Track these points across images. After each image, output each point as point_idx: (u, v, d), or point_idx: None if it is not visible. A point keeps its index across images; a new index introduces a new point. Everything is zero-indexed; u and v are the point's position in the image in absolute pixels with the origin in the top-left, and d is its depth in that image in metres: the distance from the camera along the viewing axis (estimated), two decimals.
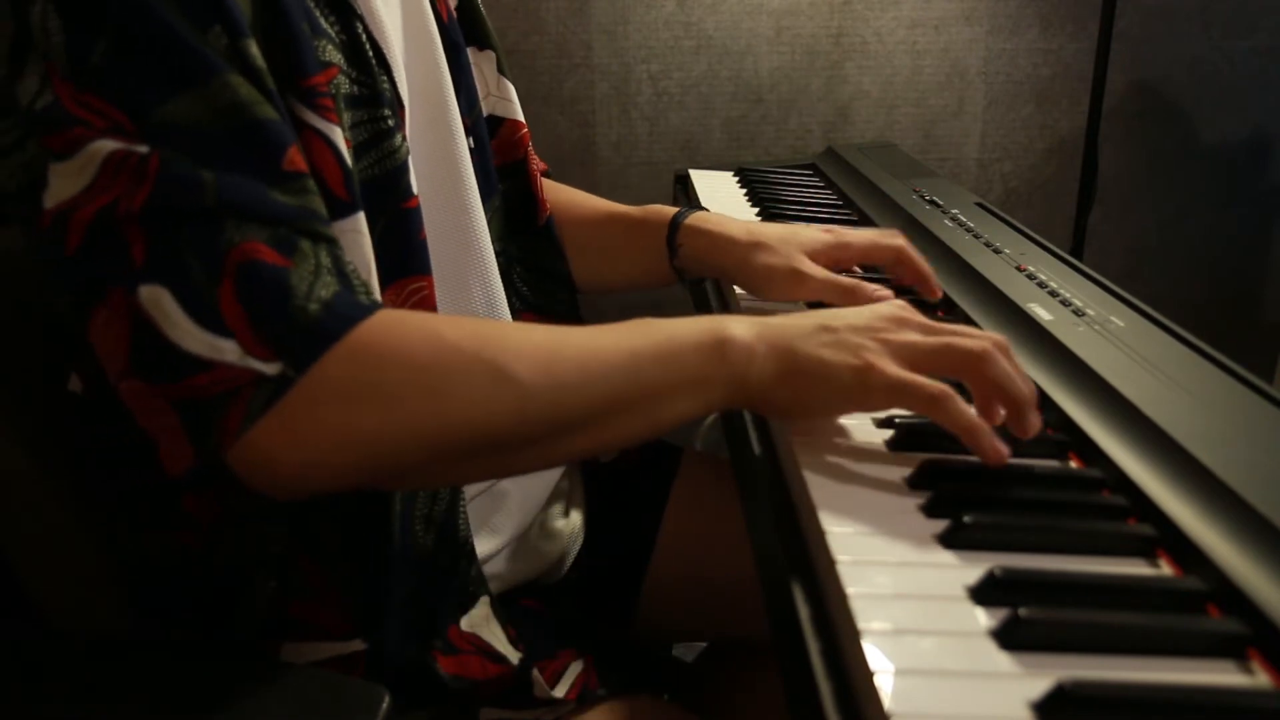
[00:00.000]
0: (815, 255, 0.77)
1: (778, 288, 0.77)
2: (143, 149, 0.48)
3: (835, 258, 0.78)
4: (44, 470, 0.64)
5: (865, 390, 0.55)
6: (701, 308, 0.91)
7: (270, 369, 0.49)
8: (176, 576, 0.64)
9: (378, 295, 0.60)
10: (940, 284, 0.79)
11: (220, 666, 0.62)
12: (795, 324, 0.58)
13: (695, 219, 0.84)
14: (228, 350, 0.48)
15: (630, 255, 0.88)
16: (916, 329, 0.58)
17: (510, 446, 0.54)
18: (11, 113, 0.50)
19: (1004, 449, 0.53)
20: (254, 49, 0.52)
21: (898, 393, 0.55)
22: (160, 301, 0.48)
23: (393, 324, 0.52)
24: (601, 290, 0.92)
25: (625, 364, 0.55)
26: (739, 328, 0.57)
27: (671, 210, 0.86)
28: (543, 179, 0.90)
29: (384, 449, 0.51)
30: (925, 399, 0.54)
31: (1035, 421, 0.56)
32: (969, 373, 0.56)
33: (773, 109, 1.85)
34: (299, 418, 0.49)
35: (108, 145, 0.48)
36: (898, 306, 0.60)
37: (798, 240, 0.78)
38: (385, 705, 0.54)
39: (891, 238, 0.79)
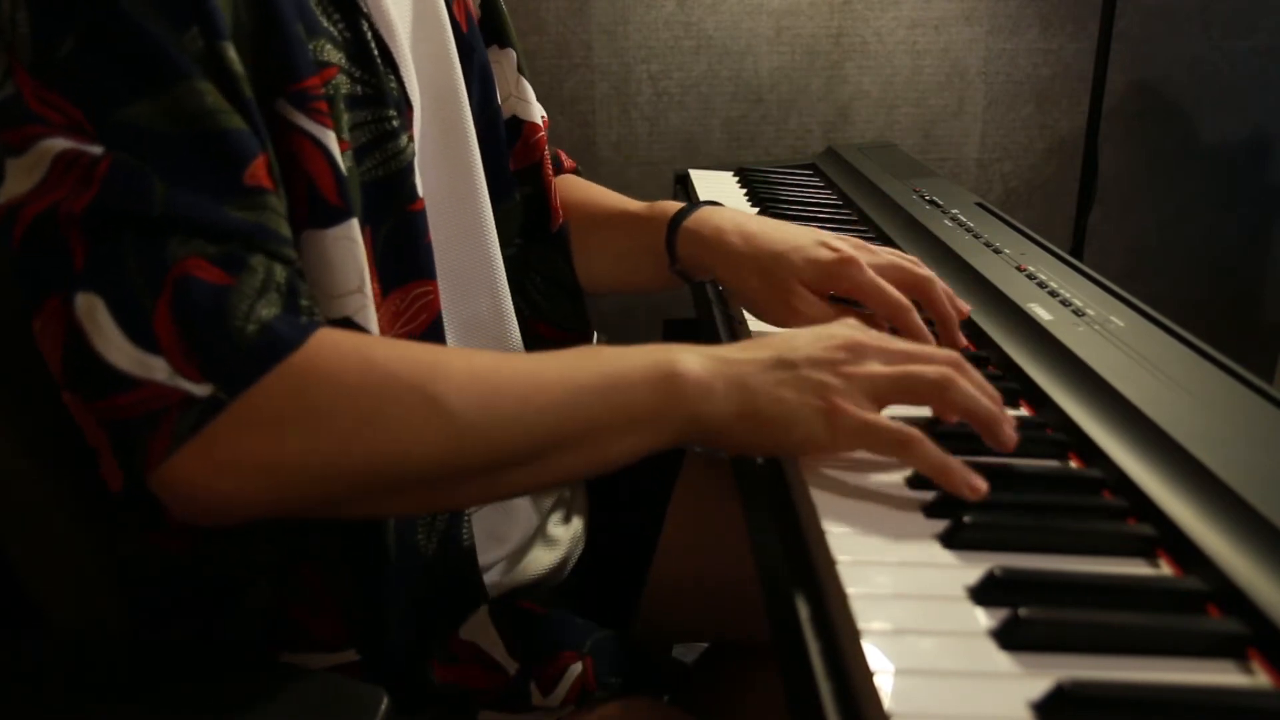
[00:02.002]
0: (807, 281, 0.71)
1: (766, 314, 0.74)
2: (96, 150, 0.47)
3: (830, 286, 0.71)
4: (44, 471, 0.63)
5: (831, 434, 0.54)
6: (701, 307, 0.90)
7: (200, 390, 0.47)
8: (170, 581, 0.64)
9: (371, 301, 0.58)
10: (960, 335, 0.71)
11: (219, 667, 0.62)
12: (750, 358, 0.56)
13: (694, 220, 0.79)
14: (157, 369, 0.46)
15: (634, 257, 0.85)
16: (875, 355, 0.56)
17: (444, 481, 0.52)
18: None
19: (981, 484, 0.52)
20: (231, 53, 0.50)
21: (864, 436, 0.54)
22: (94, 312, 0.46)
23: (328, 349, 0.50)
24: (609, 291, 0.89)
25: (568, 399, 0.53)
26: (691, 361, 0.55)
27: (675, 208, 0.81)
28: (556, 182, 0.87)
29: (309, 479, 0.49)
30: (894, 444, 0.53)
31: (1009, 434, 0.55)
32: (932, 401, 0.55)
33: (773, 109, 1.85)
34: (224, 444, 0.47)
35: (59, 144, 0.47)
36: (850, 327, 0.58)
37: (793, 263, 0.71)
38: (384, 706, 0.54)
39: (910, 279, 0.70)
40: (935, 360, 0.56)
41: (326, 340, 0.50)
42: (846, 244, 0.72)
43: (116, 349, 0.46)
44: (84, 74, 0.47)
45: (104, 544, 0.65)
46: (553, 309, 0.87)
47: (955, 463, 0.52)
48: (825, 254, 0.71)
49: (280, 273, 0.50)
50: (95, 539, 0.65)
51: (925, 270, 0.71)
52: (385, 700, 0.54)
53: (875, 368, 0.55)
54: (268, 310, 0.48)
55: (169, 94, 0.48)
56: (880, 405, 0.55)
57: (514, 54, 0.81)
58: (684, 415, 0.54)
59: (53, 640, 0.66)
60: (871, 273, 0.69)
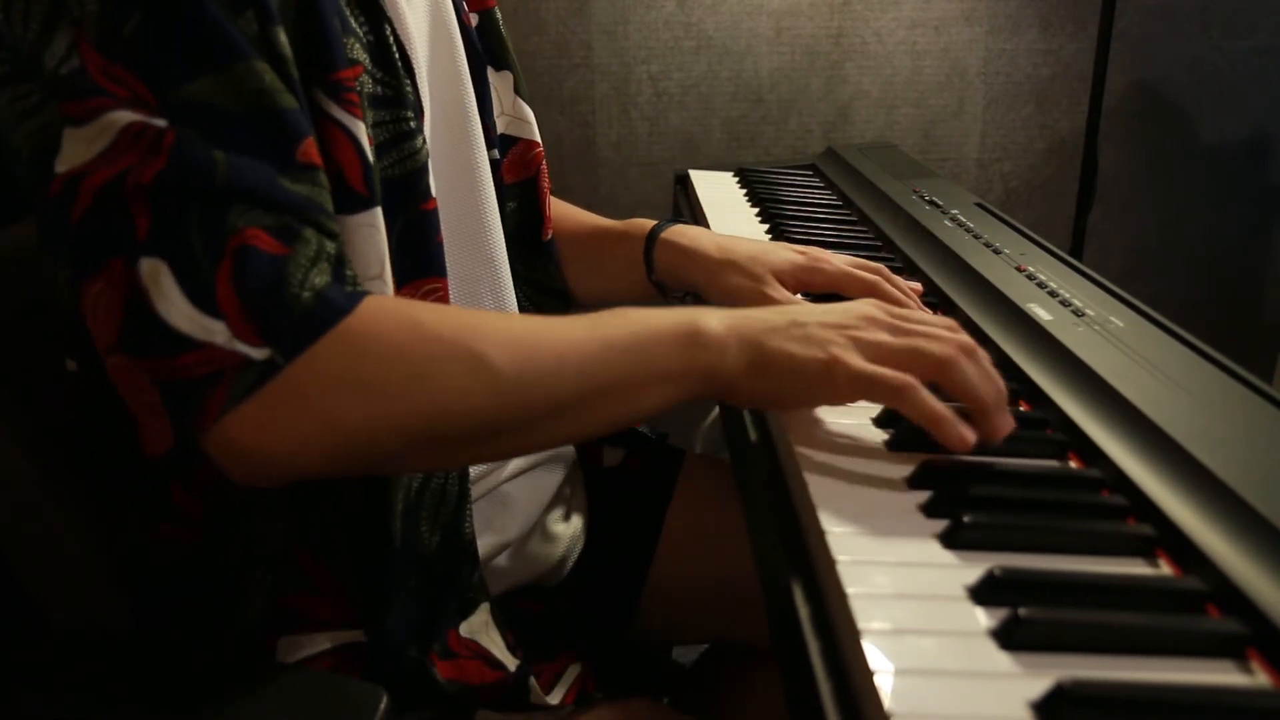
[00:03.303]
0: (784, 277, 0.77)
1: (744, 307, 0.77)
2: (160, 123, 0.49)
3: (805, 281, 0.78)
4: (44, 470, 0.64)
5: (831, 383, 0.56)
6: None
7: (258, 354, 0.49)
8: (175, 573, 0.64)
9: (390, 288, 0.61)
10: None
11: (219, 666, 0.62)
12: (767, 318, 0.59)
13: (671, 233, 0.85)
14: (217, 332, 0.49)
15: (613, 269, 0.89)
16: (886, 329, 0.59)
17: (485, 434, 0.55)
18: (35, 77, 0.51)
19: (970, 436, 0.54)
20: (282, 37, 0.52)
21: (862, 385, 0.56)
22: (158, 276, 0.48)
23: (377, 313, 0.52)
24: (589, 302, 0.93)
25: (601, 354, 0.56)
26: (712, 320, 0.58)
27: (650, 223, 0.87)
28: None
29: (361, 438, 0.52)
30: (889, 390, 0.55)
31: (1004, 421, 0.57)
32: (934, 376, 0.57)
33: (773, 109, 1.85)
34: (280, 405, 0.50)
35: (126, 116, 0.49)
36: (872, 305, 0.61)
37: (768, 261, 0.78)
38: (383, 705, 0.54)
39: (868, 269, 0.78)
40: (943, 340, 0.58)
41: (375, 306, 0.53)
42: (820, 252, 0.80)
43: (178, 312, 0.48)
44: (149, 50, 0.49)
45: (103, 544, 0.66)
46: (548, 313, 0.87)
47: (949, 414, 0.54)
48: (796, 256, 0.79)
49: (330, 245, 0.53)
50: (95, 539, 0.65)
51: (875, 276, 0.77)
52: (384, 700, 0.55)
53: (883, 336, 0.58)
54: (320, 279, 0.51)
55: (230, 72, 0.50)
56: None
57: (510, 76, 0.83)
58: (703, 369, 0.57)
59: (52, 640, 0.66)
60: (839, 262, 0.78)
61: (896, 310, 0.61)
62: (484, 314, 0.59)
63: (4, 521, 0.64)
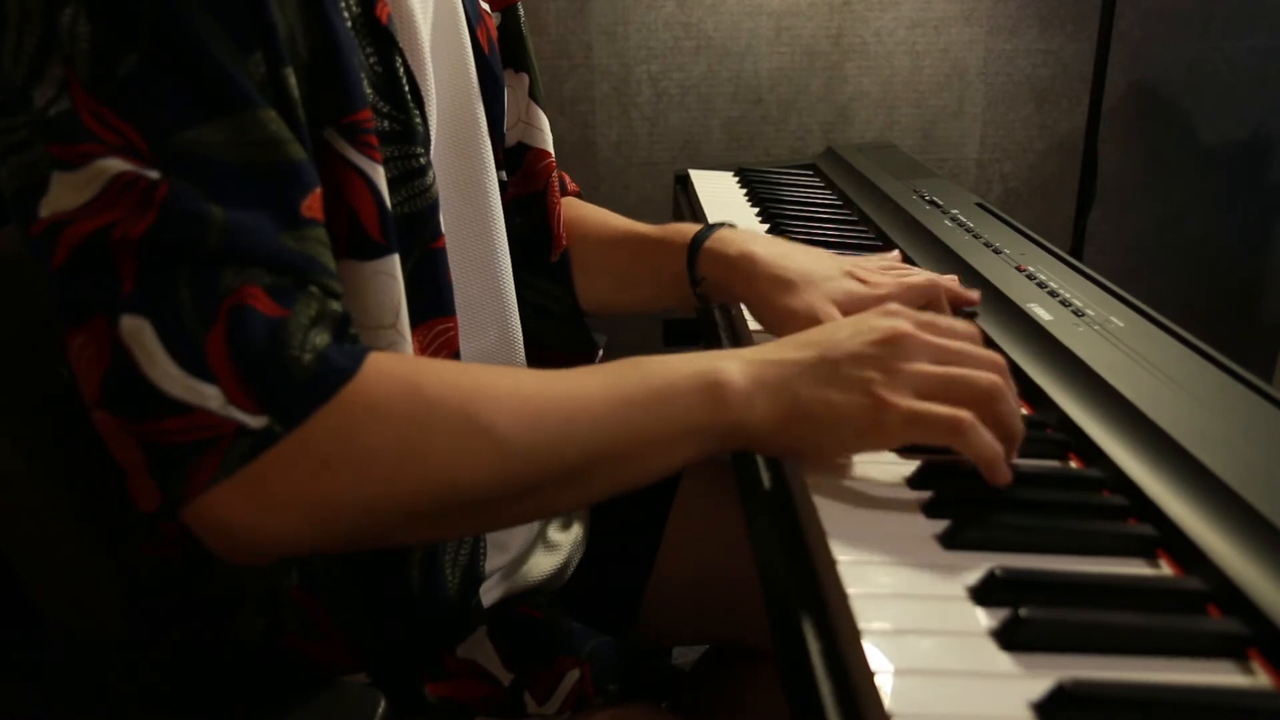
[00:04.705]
0: (840, 305, 0.71)
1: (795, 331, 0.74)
2: (153, 175, 0.45)
3: (858, 310, 0.71)
4: (44, 474, 0.63)
5: (880, 429, 0.52)
6: (702, 308, 0.89)
7: (255, 422, 0.46)
8: (168, 589, 0.63)
9: (406, 337, 0.58)
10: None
11: (217, 668, 0.62)
12: (791, 359, 0.54)
13: (716, 241, 0.78)
14: (210, 396, 0.45)
15: (645, 280, 0.83)
16: (921, 350, 0.54)
17: (493, 504, 0.52)
18: (24, 110, 0.47)
19: (1009, 474, 0.52)
20: (293, 79, 0.49)
21: (915, 425, 0.52)
22: (141, 335, 0.45)
23: (377, 377, 0.49)
24: (608, 313, 0.88)
25: (616, 413, 0.52)
26: (734, 369, 0.54)
27: (692, 230, 0.80)
28: (562, 207, 0.86)
29: (357, 512, 0.48)
30: (946, 429, 0.51)
31: (1014, 455, 0.54)
32: (979, 409, 0.52)
33: (772, 109, 1.85)
34: (272, 479, 0.46)
35: (116, 165, 0.45)
36: (891, 316, 0.56)
37: (826, 288, 0.71)
38: (381, 709, 0.54)
39: (919, 289, 0.73)
40: (984, 363, 0.55)
41: (376, 369, 0.49)
42: (873, 273, 0.74)
43: (165, 374, 0.45)
44: (144, 94, 0.46)
45: (103, 549, 0.65)
46: (549, 336, 0.86)
47: (1002, 455, 0.51)
48: (858, 287, 0.72)
49: (333, 305, 0.49)
50: (95, 544, 0.65)
51: (935, 288, 0.73)
52: (382, 703, 0.54)
53: (923, 365, 0.54)
54: (321, 339, 0.48)
55: (233, 120, 0.47)
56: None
57: (528, 79, 0.79)
58: (727, 424, 0.53)
59: (53, 640, 0.66)
60: (890, 284, 0.72)
61: (924, 318, 0.56)
62: (490, 373, 0.54)
63: (4, 524, 0.64)
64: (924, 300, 0.72)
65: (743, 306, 0.79)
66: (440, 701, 0.66)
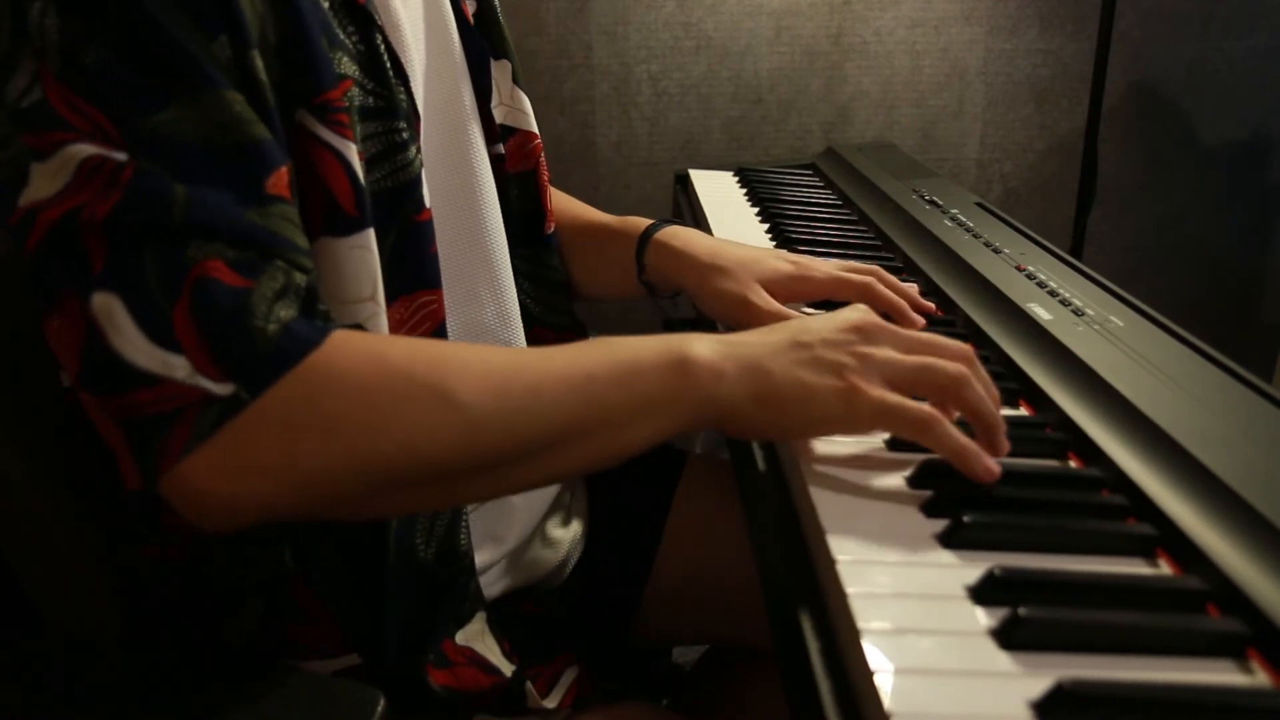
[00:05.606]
0: (773, 287, 0.75)
1: (727, 314, 0.76)
2: (120, 157, 0.47)
3: (795, 290, 0.76)
4: (44, 475, 0.63)
5: (850, 414, 0.54)
6: (708, 326, 0.89)
7: (221, 389, 0.47)
8: (168, 588, 0.63)
9: (382, 309, 0.59)
10: (918, 315, 0.75)
11: (216, 668, 0.62)
12: (765, 341, 0.56)
13: (665, 234, 0.83)
14: (177, 366, 0.46)
15: (608, 266, 0.87)
16: (889, 340, 0.57)
17: (457, 475, 0.52)
18: (2, 108, 0.49)
19: (995, 467, 0.53)
20: (259, 62, 0.51)
21: (884, 416, 0.54)
22: (111, 311, 0.46)
23: (344, 349, 0.50)
24: (584, 298, 0.91)
25: (581, 387, 0.53)
26: (702, 346, 0.55)
27: (646, 223, 0.85)
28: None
29: (325, 478, 0.49)
30: (912, 423, 0.53)
31: (1003, 442, 0.55)
32: (947, 397, 0.55)
33: (772, 109, 1.85)
34: (242, 446, 0.47)
35: (85, 150, 0.47)
36: (862, 312, 0.59)
37: (757, 269, 0.76)
38: (380, 708, 0.54)
39: (859, 273, 0.76)
40: (951, 353, 0.56)
41: (343, 341, 0.50)
42: (808, 260, 0.79)
43: (135, 347, 0.46)
44: (111, 81, 0.47)
45: (103, 548, 0.65)
46: (548, 312, 0.87)
47: (974, 447, 0.53)
48: (785, 265, 0.77)
49: (299, 279, 0.50)
50: (94, 543, 0.65)
51: (868, 277, 0.76)
52: (382, 703, 0.54)
53: (892, 353, 0.55)
54: (286, 312, 0.49)
55: (197, 102, 0.48)
56: (895, 392, 0.55)
57: (509, 65, 0.81)
58: (697, 400, 0.54)
59: (52, 640, 0.66)
60: (829, 268, 0.77)
61: (887, 327, 0.58)
62: (457, 347, 0.56)
63: (3, 525, 0.64)
64: (860, 289, 0.75)
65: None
66: (443, 690, 0.66)
